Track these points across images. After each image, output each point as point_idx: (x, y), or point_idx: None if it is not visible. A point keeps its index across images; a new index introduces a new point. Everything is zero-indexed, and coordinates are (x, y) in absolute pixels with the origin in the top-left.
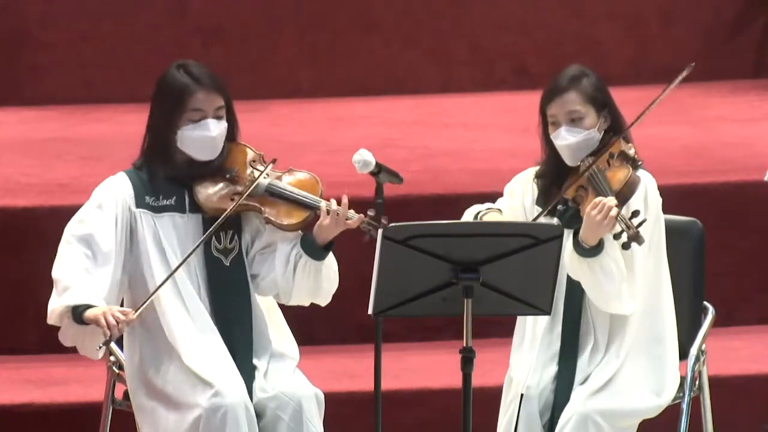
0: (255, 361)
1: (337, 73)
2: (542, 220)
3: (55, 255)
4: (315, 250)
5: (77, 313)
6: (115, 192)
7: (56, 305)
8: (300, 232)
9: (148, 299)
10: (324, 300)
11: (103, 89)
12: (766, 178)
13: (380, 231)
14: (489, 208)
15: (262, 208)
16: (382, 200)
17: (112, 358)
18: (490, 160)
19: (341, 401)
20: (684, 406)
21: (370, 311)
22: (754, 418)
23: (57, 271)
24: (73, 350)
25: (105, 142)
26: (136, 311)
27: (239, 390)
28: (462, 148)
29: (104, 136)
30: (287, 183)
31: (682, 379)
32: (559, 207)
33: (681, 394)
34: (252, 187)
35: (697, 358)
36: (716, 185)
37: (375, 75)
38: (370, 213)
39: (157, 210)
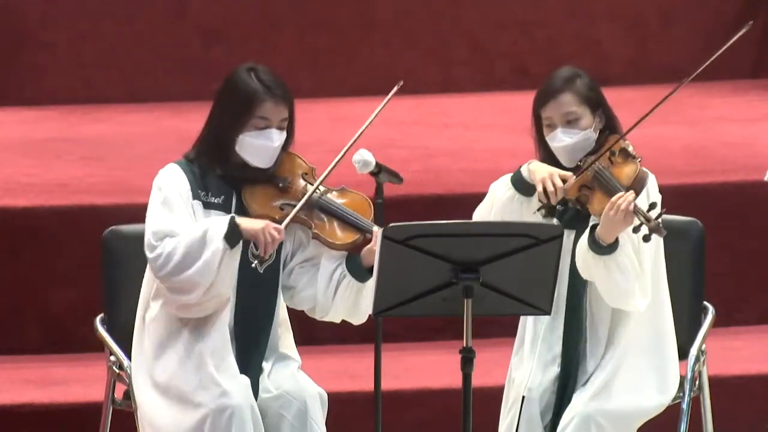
0: (263, 364)
1: (337, 73)
2: (540, 219)
3: (55, 255)
4: (360, 272)
5: (232, 233)
6: (175, 184)
7: (212, 251)
8: (345, 252)
9: (290, 215)
10: (359, 319)
11: (103, 89)
12: (766, 178)
13: (380, 231)
14: (530, 162)
15: (312, 223)
16: (382, 200)
17: (112, 358)
18: (490, 160)
19: (342, 401)
20: (684, 406)
21: (370, 311)
22: (754, 418)
23: (177, 257)
24: (74, 350)
25: (105, 142)
26: (284, 225)
27: (245, 391)
28: (462, 148)
29: (104, 136)
30: (339, 201)
31: (682, 378)
32: (559, 207)
33: (681, 394)
34: (304, 200)
35: (697, 358)
36: (716, 185)
37: (375, 75)
38: None
39: (206, 206)
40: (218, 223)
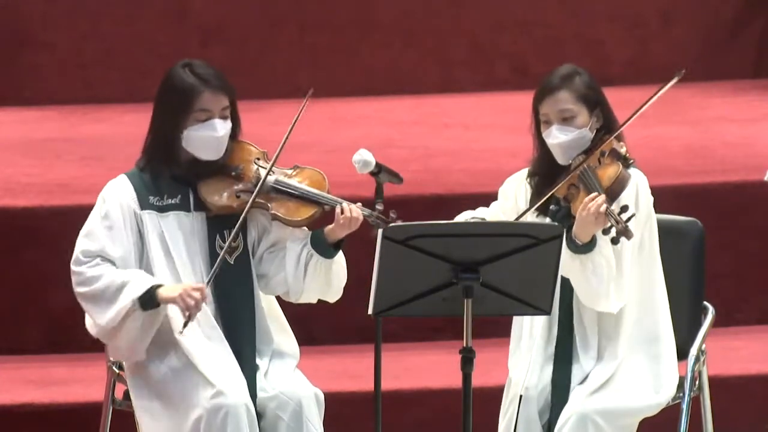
0: (258, 361)
1: (337, 73)
2: (534, 219)
3: (55, 255)
4: (325, 249)
5: (148, 298)
6: (118, 197)
7: (120, 306)
8: (307, 229)
9: (215, 270)
10: (333, 297)
11: (103, 89)
12: (766, 178)
13: (380, 231)
14: (473, 218)
15: (269, 205)
16: (382, 200)
17: (112, 358)
18: (490, 160)
19: (341, 401)
20: (684, 406)
21: (370, 311)
22: (754, 418)
23: (94, 287)
24: (74, 350)
25: (105, 142)
26: (207, 284)
27: (241, 390)
28: (462, 148)
29: (104, 136)
30: (294, 179)
31: (682, 378)
32: (552, 207)
33: (681, 394)
34: (260, 186)
35: (697, 358)
36: (716, 185)
37: (375, 75)
38: (379, 207)
39: (162, 209)
40: (140, 282)
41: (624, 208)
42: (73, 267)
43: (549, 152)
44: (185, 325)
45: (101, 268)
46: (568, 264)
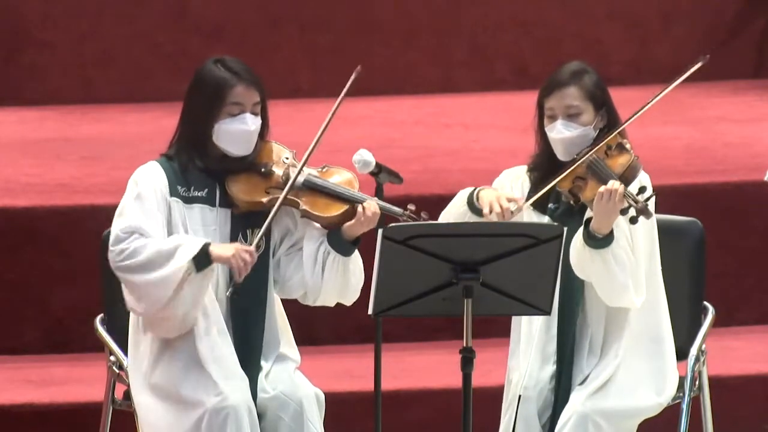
0: (262, 362)
1: (337, 73)
2: (534, 217)
3: (55, 255)
4: (344, 246)
5: (203, 256)
6: (152, 180)
7: (176, 267)
8: (324, 229)
9: (261, 231)
10: (351, 298)
11: (103, 89)
12: (766, 178)
13: (380, 231)
14: (482, 188)
15: (300, 202)
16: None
17: (112, 358)
18: (490, 160)
19: (341, 401)
20: (684, 406)
21: (370, 311)
22: (754, 418)
23: (143, 255)
24: (74, 350)
25: (105, 142)
26: (254, 245)
27: (243, 391)
28: (462, 148)
29: (104, 136)
30: (324, 178)
31: (682, 378)
32: (551, 205)
33: (681, 394)
34: (292, 182)
35: (697, 358)
36: (716, 185)
37: (375, 75)
38: (411, 207)
39: (188, 201)
40: (192, 243)
41: (642, 189)
42: (113, 247)
43: (550, 148)
44: (234, 286)
45: (144, 239)
46: (588, 262)
